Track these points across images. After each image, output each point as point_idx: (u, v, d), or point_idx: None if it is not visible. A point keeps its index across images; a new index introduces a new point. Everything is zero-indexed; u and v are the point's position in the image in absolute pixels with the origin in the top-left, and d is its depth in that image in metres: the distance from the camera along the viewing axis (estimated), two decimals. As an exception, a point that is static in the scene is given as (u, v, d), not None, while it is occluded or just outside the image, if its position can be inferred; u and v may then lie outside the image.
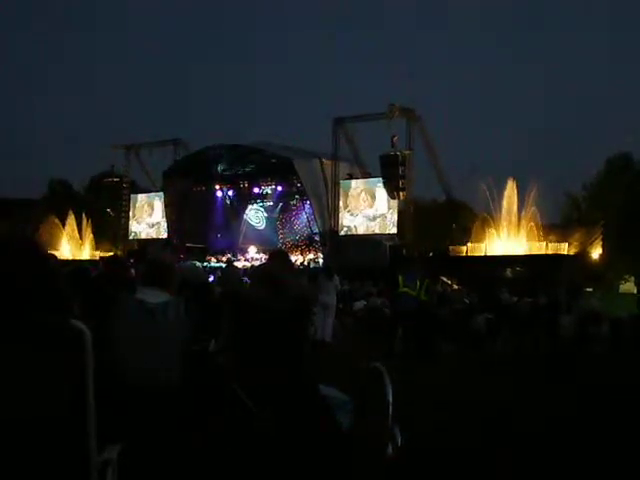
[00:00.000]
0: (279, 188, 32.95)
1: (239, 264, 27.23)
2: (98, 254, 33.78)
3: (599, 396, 7.48)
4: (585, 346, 12.33)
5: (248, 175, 32.92)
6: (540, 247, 24.94)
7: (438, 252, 26.51)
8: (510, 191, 26.24)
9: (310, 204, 30.16)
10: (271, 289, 2.68)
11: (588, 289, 17.45)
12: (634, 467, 4.90)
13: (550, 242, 25.00)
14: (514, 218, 25.86)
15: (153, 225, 35.72)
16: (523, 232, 25.65)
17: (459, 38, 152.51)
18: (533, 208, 25.62)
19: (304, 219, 32.25)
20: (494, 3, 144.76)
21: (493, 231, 25.91)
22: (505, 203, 26.05)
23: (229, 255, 30.08)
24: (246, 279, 11.75)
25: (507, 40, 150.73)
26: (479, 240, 25.82)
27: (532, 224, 25.46)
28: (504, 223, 25.93)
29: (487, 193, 26.03)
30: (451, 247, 26.22)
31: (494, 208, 26.21)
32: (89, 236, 36.49)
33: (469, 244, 25.86)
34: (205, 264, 28.17)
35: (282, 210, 33.75)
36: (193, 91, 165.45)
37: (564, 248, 24.68)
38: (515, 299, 15.55)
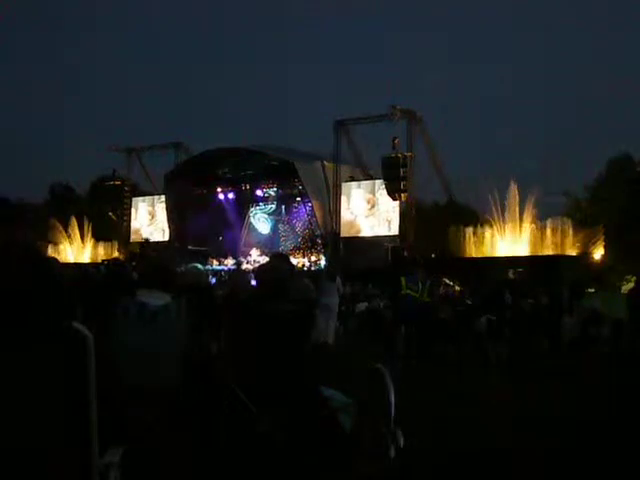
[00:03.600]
0: (281, 191, 32.95)
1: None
2: (101, 255, 33.81)
3: (600, 398, 7.47)
4: (587, 347, 12.30)
5: (250, 178, 32.92)
6: (542, 248, 24.90)
7: (440, 253, 26.45)
8: (512, 193, 26.19)
9: (312, 206, 30.17)
10: (271, 292, 2.67)
11: (590, 290, 17.40)
12: (635, 468, 4.89)
13: (552, 243, 24.96)
14: (516, 219, 25.80)
15: (155, 228, 35.74)
16: (525, 233, 25.60)
17: (461, 38, 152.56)
18: (534, 209, 25.59)
19: (306, 221, 32.25)
20: (494, 4, 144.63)
21: (495, 232, 25.88)
22: (507, 205, 26.00)
23: (230, 257, 30.07)
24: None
25: (506, 41, 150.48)
26: (480, 241, 25.80)
27: (534, 225, 25.42)
28: (506, 224, 25.89)
29: (489, 195, 26.00)
30: (454, 247, 26.09)
31: (496, 210, 26.15)
32: (91, 239, 36.54)
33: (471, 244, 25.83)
34: (207, 267, 28.14)
35: (284, 213, 33.78)
36: (194, 94, 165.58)
37: (566, 249, 24.64)
38: (517, 300, 15.48)
